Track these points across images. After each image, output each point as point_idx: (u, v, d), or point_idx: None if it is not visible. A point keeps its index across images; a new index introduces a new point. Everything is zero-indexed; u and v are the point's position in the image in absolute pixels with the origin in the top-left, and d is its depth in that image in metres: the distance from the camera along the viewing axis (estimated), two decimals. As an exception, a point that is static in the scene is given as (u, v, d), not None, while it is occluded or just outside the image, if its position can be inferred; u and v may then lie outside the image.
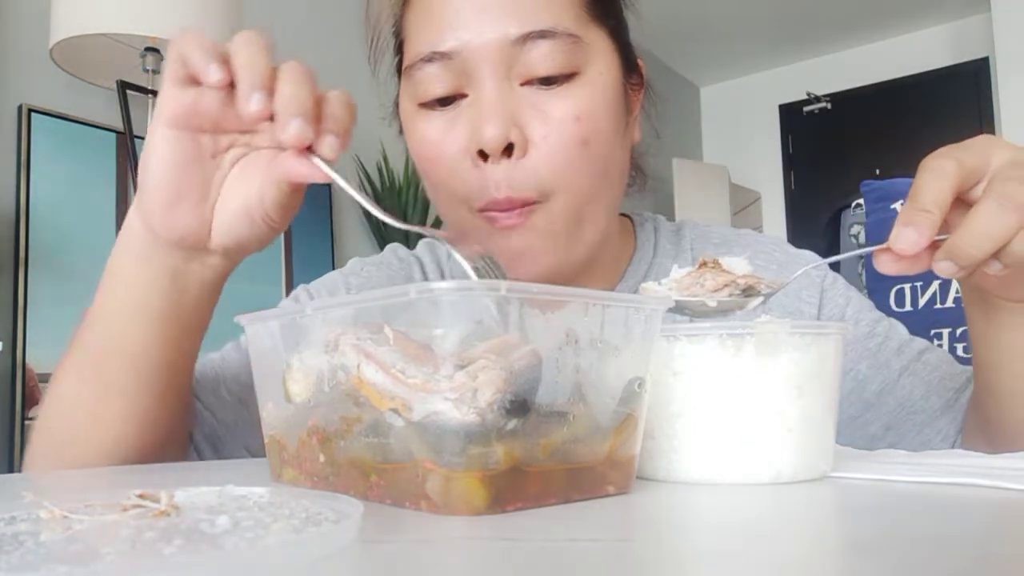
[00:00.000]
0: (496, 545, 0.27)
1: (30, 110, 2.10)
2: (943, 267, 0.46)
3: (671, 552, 0.27)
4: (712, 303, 0.47)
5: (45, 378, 2.06)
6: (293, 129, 0.45)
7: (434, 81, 0.62)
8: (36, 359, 2.05)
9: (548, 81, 0.61)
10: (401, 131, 0.72)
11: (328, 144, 0.46)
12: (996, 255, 0.45)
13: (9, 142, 2.07)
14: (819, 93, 4.99)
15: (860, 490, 0.39)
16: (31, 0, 2.11)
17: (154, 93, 2.01)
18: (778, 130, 5.18)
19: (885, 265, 0.48)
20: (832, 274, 0.76)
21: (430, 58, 0.62)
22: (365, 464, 0.36)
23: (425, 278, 0.77)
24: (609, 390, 0.37)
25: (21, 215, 2.05)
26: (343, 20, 3.03)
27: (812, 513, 0.35)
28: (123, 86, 1.99)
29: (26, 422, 2.02)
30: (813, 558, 0.26)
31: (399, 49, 0.70)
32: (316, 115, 0.46)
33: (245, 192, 0.50)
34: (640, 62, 0.71)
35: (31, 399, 2.04)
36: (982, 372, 0.59)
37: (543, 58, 0.60)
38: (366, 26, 0.73)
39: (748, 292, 0.47)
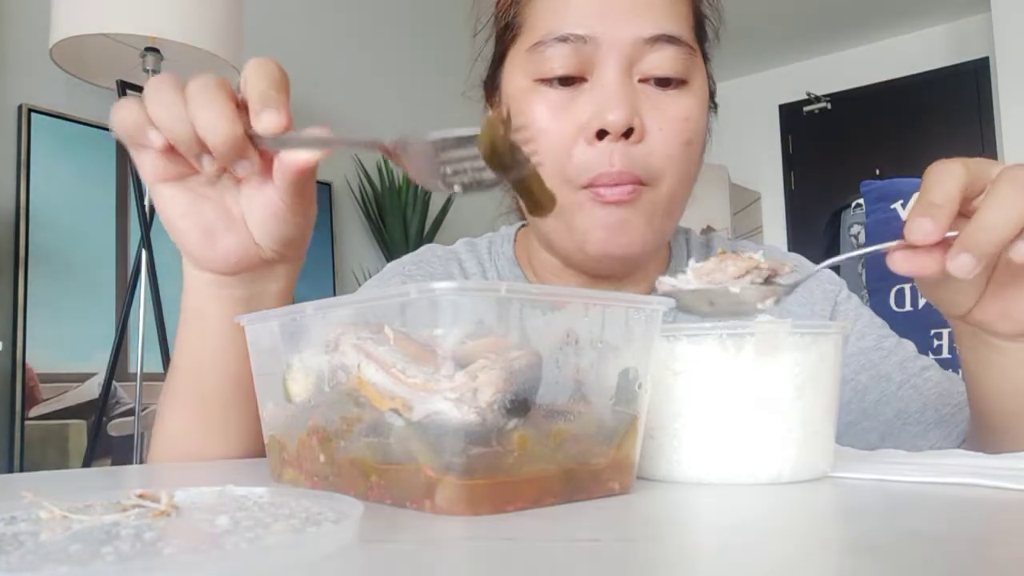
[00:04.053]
0: (496, 545, 0.27)
1: (30, 110, 2.10)
2: (960, 262, 0.45)
3: (671, 552, 0.27)
4: (735, 289, 0.46)
5: (45, 378, 2.06)
6: (240, 171, 0.48)
7: (561, 59, 0.66)
8: (36, 359, 2.05)
9: (663, 83, 0.67)
10: (487, 107, 0.77)
11: (264, 123, 0.45)
12: (1016, 239, 0.45)
13: (9, 142, 2.07)
14: (819, 93, 4.99)
15: (860, 490, 0.39)
16: (31, 0, 2.11)
17: (154, 93, 2.01)
18: (778, 130, 5.18)
19: (898, 263, 0.47)
20: (848, 291, 0.79)
21: (564, 38, 0.66)
22: (365, 464, 0.36)
23: (464, 275, 0.79)
24: (609, 390, 0.37)
25: (21, 215, 2.05)
26: (342, 20, 3.03)
27: (812, 513, 0.35)
28: (123, 86, 1.98)
29: (26, 422, 2.02)
30: (813, 558, 0.26)
31: (508, 34, 0.73)
32: (244, 110, 0.46)
33: (261, 198, 0.51)
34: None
35: (31, 399, 2.04)
36: (986, 412, 0.59)
37: (665, 60, 0.66)
38: (474, 7, 0.78)
39: (770, 280, 0.46)
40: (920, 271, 0.47)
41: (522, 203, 0.50)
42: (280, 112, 0.45)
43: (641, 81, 0.66)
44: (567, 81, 0.67)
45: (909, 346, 0.75)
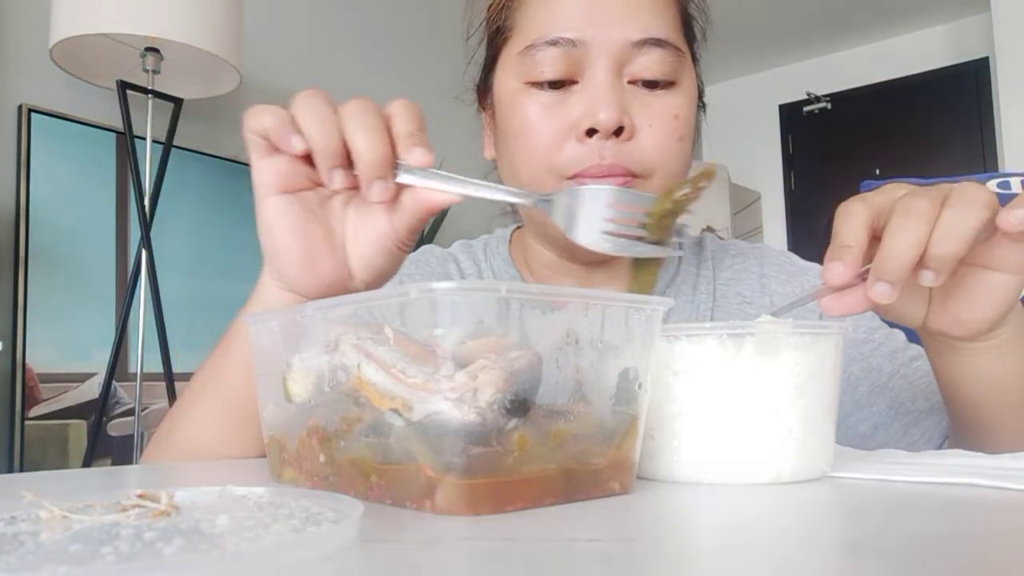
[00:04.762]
0: (496, 545, 0.27)
1: (30, 110, 2.10)
2: (877, 290, 0.47)
3: (671, 552, 0.27)
4: None
5: (45, 378, 2.07)
6: (375, 193, 0.47)
7: (552, 63, 0.67)
8: (36, 359, 2.05)
9: (652, 84, 0.68)
10: (480, 110, 0.79)
11: (417, 157, 0.47)
12: (923, 265, 0.47)
13: (9, 142, 2.07)
14: (819, 93, 4.98)
15: (860, 490, 0.39)
16: (31, 0, 2.11)
17: (154, 93, 2.01)
18: (778, 130, 5.17)
19: (829, 307, 0.50)
20: None
21: (555, 42, 0.67)
22: (365, 464, 0.36)
23: (461, 275, 0.81)
24: (609, 390, 0.37)
25: (21, 215, 2.05)
26: (342, 21, 3.03)
27: (812, 513, 0.35)
28: (123, 86, 1.99)
29: (26, 422, 2.02)
30: (813, 558, 0.26)
31: (499, 38, 0.74)
32: (391, 138, 0.47)
33: (373, 228, 0.51)
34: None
35: (31, 399, 2.04)
36: (963, 408, 0.60)
37: (653, 63, 0.67)
38: (466, 11, 0.79)
39: None
40: (851, 310, 0.50)
41: (631, 280, 0.56)
42: (430, 150, 0.47)
43: (630, 83, 0.67)
44: (557, 84, 0.68)
45: (899, 336, 0.76)
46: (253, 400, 0.56)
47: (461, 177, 0.48)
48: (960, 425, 0.62)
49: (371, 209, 0.50)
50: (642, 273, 0.54)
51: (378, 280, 0.54)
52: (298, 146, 0.47)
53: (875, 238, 0.49)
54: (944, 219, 0.46)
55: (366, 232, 0.51)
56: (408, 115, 0.48)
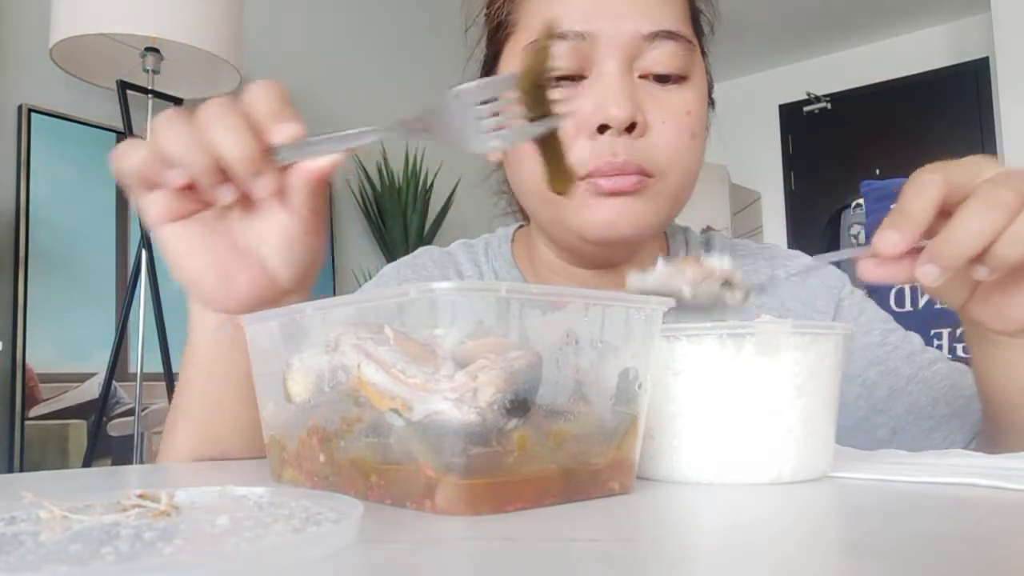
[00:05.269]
0: (496, 545, 0.27)
1: (30, 110, 2.10)
2: (926, 271, 0.46)
3: (671, 552, 0.27)
4: (688, 291, 0.47)
5: (45, 378, 2.07)
6: (260, 189, 0.46)
7: (560, 58, 0.65)
8: (36, 359, 2.05)
9: (663, 79, 0.66)
10: None
11: (283, 131, 0.45)
12: (981, 259, 0.45)
13: (9, 142, 2.07)
14: (819, 93, 4.98)
15: (860, 490, 0.39)
16: (31, 0, 2.11)
17: (154, 93, 2.01)
18: (778, 130, 5.18)
19: (867, 271, 0.48)
20: (851, 287, 0.78)
21: (563, 35, 0.65)
22: (365, 464, 0.36)
23: (461, 277, 0.79)
24: (609, 390, 0.37)
25: (21, 215, 2.05)
26: (342, 21, 3.03)
27: (812, 513, 0.35)
28: (123, 86, 1.99)
29: (26, 422, 2.02)
30: (813, 558, 0.26)
31: (501, 33, 0.72)
32: (256, 127, 0.45)
33: (276, 221, 0.49)
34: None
35: (31, 399, 2.04)
36: (993, 404, 0.59)
37: (665, 57, 0.65)
38: (463, 7, 0.77)
39: (726, 286, 0.47)
40: (888, 279, 0.48)
41: (545, 175, 0.49)
42: (294, 121, 0.45)
43: (641, 77, 0.65)
44: (565, 79, 0.66)
45: (916, 339, 0.74)
46: (217, 423, 0.55)
47: (336, 133, 0.46)
48: (993, 424, 0.61)
49: (267, 204, 0.49)
50: (553, 154, 0.48)
51: (306, 271, 0.52)
52: (176, 178, 0.45)
53: (942, 212, 0.46)
54: (1021, 220, 0.44)
55: (271, 229, 0.49)
56: (265, 95, 0.46)
